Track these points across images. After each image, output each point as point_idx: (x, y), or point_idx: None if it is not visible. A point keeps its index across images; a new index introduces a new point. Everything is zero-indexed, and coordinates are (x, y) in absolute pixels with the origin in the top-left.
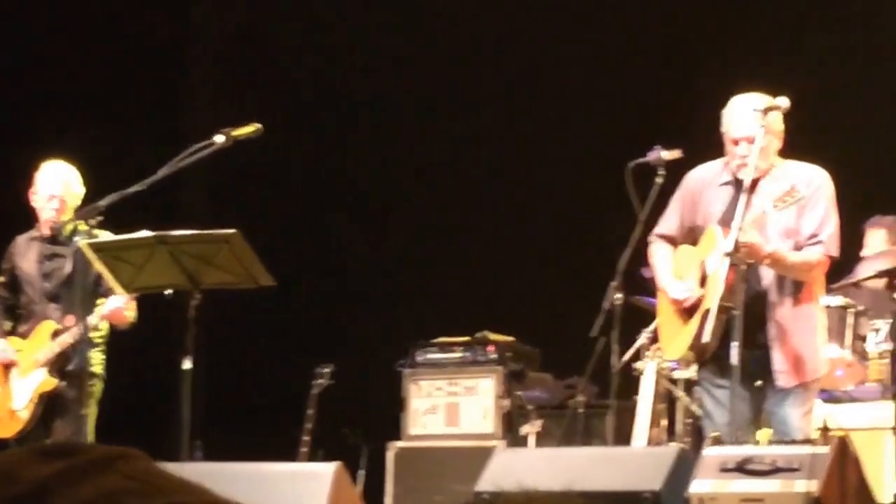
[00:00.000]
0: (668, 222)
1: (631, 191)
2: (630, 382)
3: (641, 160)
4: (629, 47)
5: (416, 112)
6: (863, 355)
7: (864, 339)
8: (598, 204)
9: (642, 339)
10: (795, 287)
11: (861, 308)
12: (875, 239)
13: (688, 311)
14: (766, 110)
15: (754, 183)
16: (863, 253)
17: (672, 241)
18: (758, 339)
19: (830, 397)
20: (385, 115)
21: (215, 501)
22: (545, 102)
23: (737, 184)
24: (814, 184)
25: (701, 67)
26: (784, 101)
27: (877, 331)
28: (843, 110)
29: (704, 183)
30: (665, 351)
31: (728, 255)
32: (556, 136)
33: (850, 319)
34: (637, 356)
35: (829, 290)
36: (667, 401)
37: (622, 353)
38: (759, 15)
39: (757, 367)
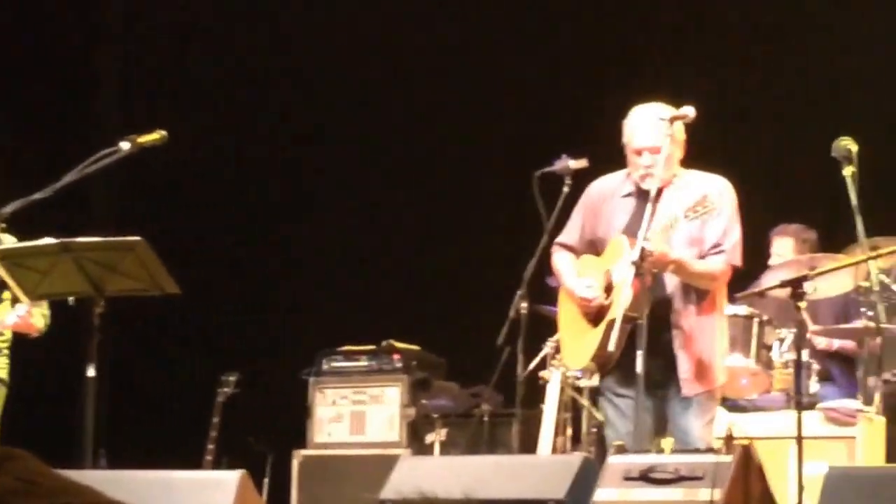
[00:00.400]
0: (570, 233)
1: (538, 200)
2: (535, 391)
3: (548, 169)
4: (534, 56)
5: (320, 119)
6: (768, 365)
7: (769, 348)
8: (504, 213)
9: (547, 348)
10: (699, 296)
11: (766, 317)
12: (781, 247)
13: (591, 321)
14: (673, 120)
15: (658, 192)
16: (770, 262)
17: (573, 250)
18: (661, 348)
19: (735, 406)
20: (289, 122)
21: (104, 502)
22: (451, 111)
23: (639, 194)
24: (719, 193)
25: (607, 77)
26: (690, 111)
27: (782, 340)
28: (746, 120)
29: (606, 195)
30: (567, 361)
31: (634, 263)
32: (461, 144)
33: (755, 329)
34: (542, 365)
35: (734, 300)
36: (572, 410)
37: (527, 361)
38: (661, 26)
39: (660, 376)
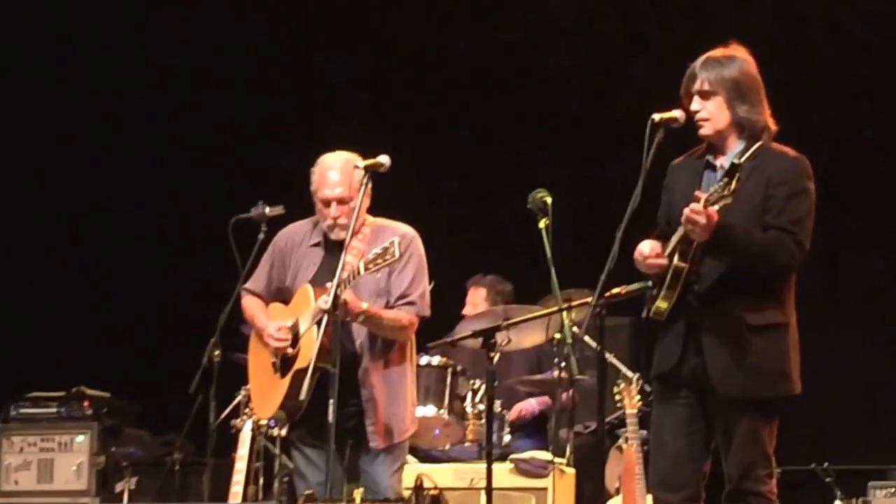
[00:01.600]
0: (257, 280)
1: (233, 246)
2: (227, 440)
3: (244, 216)
4: (231, 100)
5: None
6: (461, 415)
7: (462, 398)
8: (199, 259)
9: (240, 396)
10: (387, 347)
11: (460, 368)
12: (476, 297)
13: (279, 371)
14: (367, 168)
15: (348, 242)
16: (465, 311)
17: (261, 298)
18: (350, 399)
19: (428, 456)
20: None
21: None
22: (144, 158)
23: (327, 244)
24: (404, 244)
25: (301, 124)
26: (385, 160)
27: (475, 391)
28: (445, 170)
29: (294, 243)
30: (257, 410)
31: (325, 312)
32: (159, 190)
33: (448, 379)
34: (235, 413)
35: (427, 349)
36: (264, 459)
37: (220, 410)
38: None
39: (350, 426)
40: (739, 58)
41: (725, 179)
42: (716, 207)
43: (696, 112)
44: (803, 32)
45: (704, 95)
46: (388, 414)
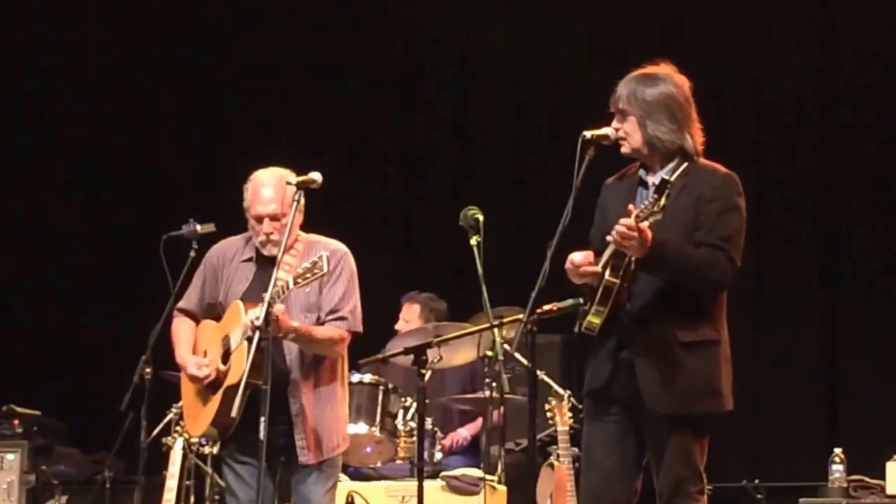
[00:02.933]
0: (190, 298)
1: (164, 264)
2: (159, 458)
3: (175, 233)
4: (163, 120)
5: None
6: (393, 432)
7: (394, 416)
8: (130, 276)
9: (171, 414)
10: (318, 363)
11: (391, 385)
12: (411, 313)
13: (210, 388)
14: (300, 185)
15: (280, 258)
16: (398, 326)
17: (193, 316)
18: (281, 416)
19: (359, 474)
20: None
21: None
22: (76, 173)
23: (259, 259)
24: (335, 259)
25: (237, 141)
26: (317, 176)
27: (406, 408)
28: (380, 185)
29: (226, 259)
30: (188, 427)
31: (257, 328)
32: (89, 206)
33: (380, 397)
34: (166, 431)
35: (359, 367)
36: (195, 477)
37: (151, 428)
38: (280, 97)
39: (281, 443)
40: (663, 77)
41: (655, 196)
42: (646, 224)
43: (617, 129)
44: None
45: (621, 114)
46: (317, 429)
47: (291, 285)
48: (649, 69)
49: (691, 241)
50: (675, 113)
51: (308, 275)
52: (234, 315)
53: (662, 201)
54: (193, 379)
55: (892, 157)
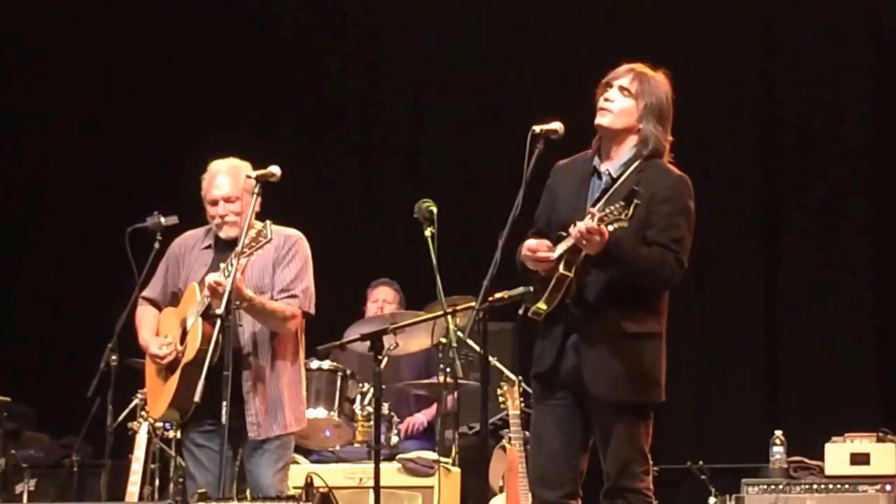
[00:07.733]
0: (154, 287)
1: (129, 254)
2: (124, 442)
3: (140, 225)
4: (129, 113)
5: None
6: (351, 417)
7: (352, 401)
8: (97, 266)
9: (137, 399)
10: (271, 342)
11: (350, 371)
12: (388, 295)
13: (170, 369)
14: (259, 178)
15: (234, 241)
16: (369, 310)
17: (156, 304)
18: (236, 394)
19: (319, 457)
20: None
21: None
22: (44, 163)
23: (218, 246)
24: (289, 243)
25: (197, 135)
26: (276, 170)
27: (364, 394)
28: (336, 179)
29: (186, 248)
30: (151, 409)
31: (213, 290)
32: (58, 197)
33: (339, 382)
34: (132, 416)
35: (317, 353)
36: (160, 460)
37: (117, 413)
38: (240, 89)
39: (235, 422)
40: (665, 81)
41: (622, 204)
42: (610, 228)
43: (608, 100)
44: None
45: (626, 93)
46: (268, 406)
47: (238, 258)
48: (653, 70)
49: (642, 237)
50: (669, 117)
51: (253, 244)
52: (191, 297)
53: (630, 211)
54: (155, 359)
55: (829, 133)
